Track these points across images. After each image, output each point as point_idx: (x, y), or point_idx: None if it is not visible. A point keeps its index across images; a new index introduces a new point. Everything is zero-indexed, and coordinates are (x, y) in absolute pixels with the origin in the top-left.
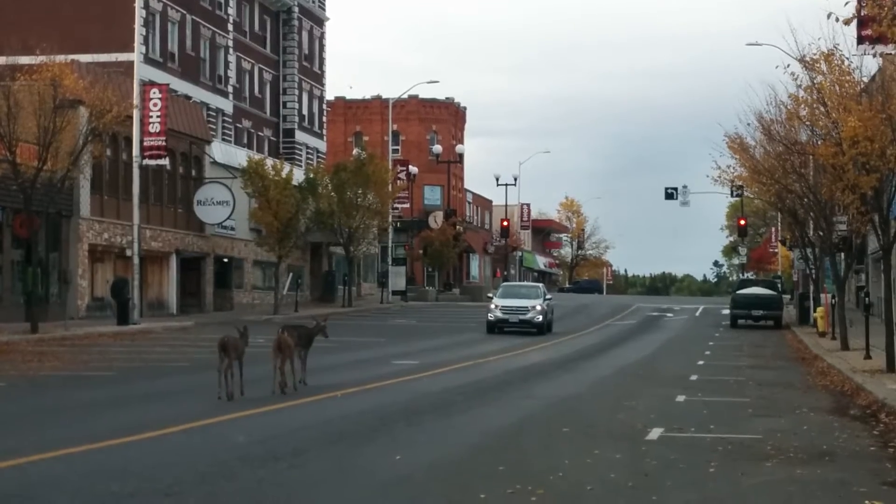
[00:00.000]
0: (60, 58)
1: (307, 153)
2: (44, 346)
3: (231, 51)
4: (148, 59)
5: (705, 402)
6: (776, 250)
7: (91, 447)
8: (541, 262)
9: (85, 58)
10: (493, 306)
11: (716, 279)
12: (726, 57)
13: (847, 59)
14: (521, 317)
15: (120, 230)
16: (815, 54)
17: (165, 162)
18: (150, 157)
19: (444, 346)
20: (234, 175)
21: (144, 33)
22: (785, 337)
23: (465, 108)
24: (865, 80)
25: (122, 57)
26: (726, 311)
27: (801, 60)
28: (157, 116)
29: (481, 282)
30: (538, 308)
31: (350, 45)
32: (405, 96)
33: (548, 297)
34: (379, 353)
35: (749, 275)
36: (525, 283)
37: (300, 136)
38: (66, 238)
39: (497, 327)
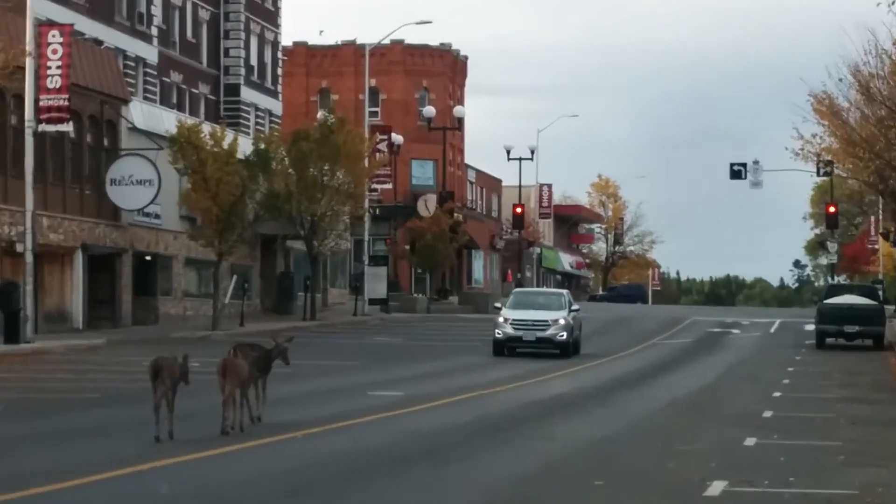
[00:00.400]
0: None
1: (257, 116)
2: None
3: None
4: None
5: (783, 447)
6: (876, 246)
7: None
8: (566, 261)
9: None
10: (501, 320)
11: (796, 284)
12: None
13: None
14: (539, 333)
15: (7, 218)
16: None
17: (69, 128)
18: (49, 121)
19: (437, 371)
20: (160, 146)
21: None
22: (888, 361)
23: (465, 57)
24: None
25: None
26: (811, 327)
27: None
28: (58, 68)
29: (487, 287)
30: (561, 322)
31: None
32: (387, 41)
33: (574, 307)
34: (351, 382)
35: (841, 279)
36: (544, 289)
37: (247, 93)
38: None
39: (507, 347)
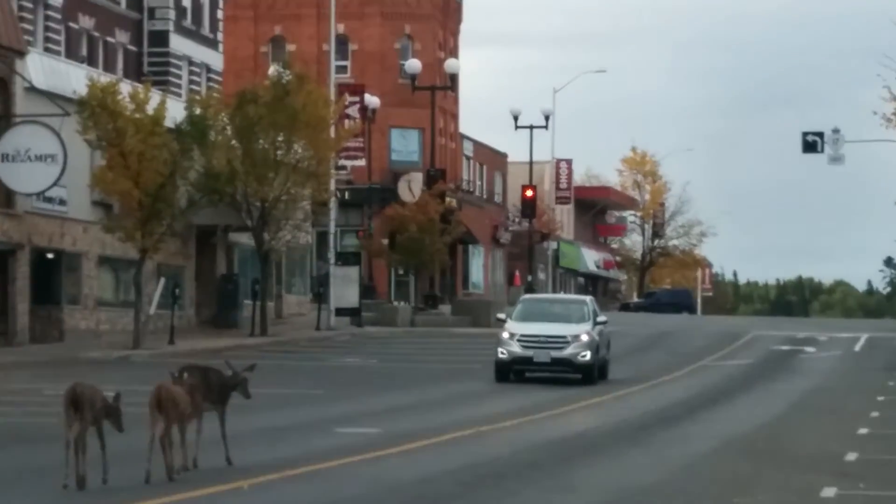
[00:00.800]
0: None
1: (191, 73)
2: None
3: None
4: None
5: (872, 500)
6: None
7: None
8: (590, 259)
9: None
10: (506, 335)
11: (888, 289)
12: None
13: None
14: (555, 353)
15: None
16: None
17: None
18: None
19: (423, 403)
20: (66, 111)
21: None
22: None
23: None
24: None
25: None
26: None
27: None
28: None
29: (488, 293)
30: (584, 339)
31: None
32: None
33: (600, 319)
34: (313, 415)
35: None
36: (561, 295)
37: (178, 43)
38: None
39: (513, 371)
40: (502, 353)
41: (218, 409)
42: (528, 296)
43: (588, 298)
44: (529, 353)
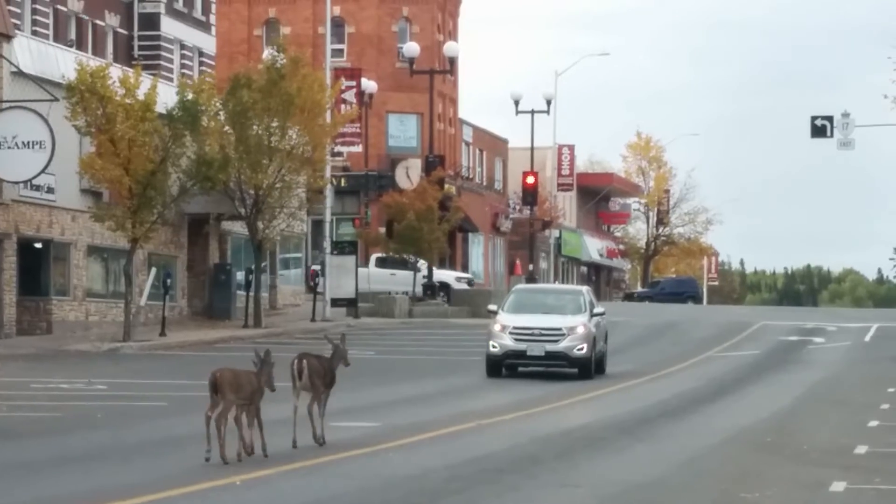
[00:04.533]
0: None
1: (183, 57)
2: None
3: None
4: None
5: (882, 494)
6: None
7: None
8: (593, 248)
9: None
10: (497, 328)
11: None
12: None
13: None
14: (550, 346)
15: None
16: None
17: None
18: None
19: (420, 396)
20: (54, 96)
21: None
22: None
23: None
24: None
25: None
26: None
27: None
28: None
29: (488, 283)
30: (580, 331)
31: None
32: None
33: (598, 310)
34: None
35: None
36: (556, 285)
37: (170, 26)
38: None
39: (505, 365)
40: (494, 346)
41: (327, 392)
42: (520, 286)
43: (584, 288)
44: (522, 346)
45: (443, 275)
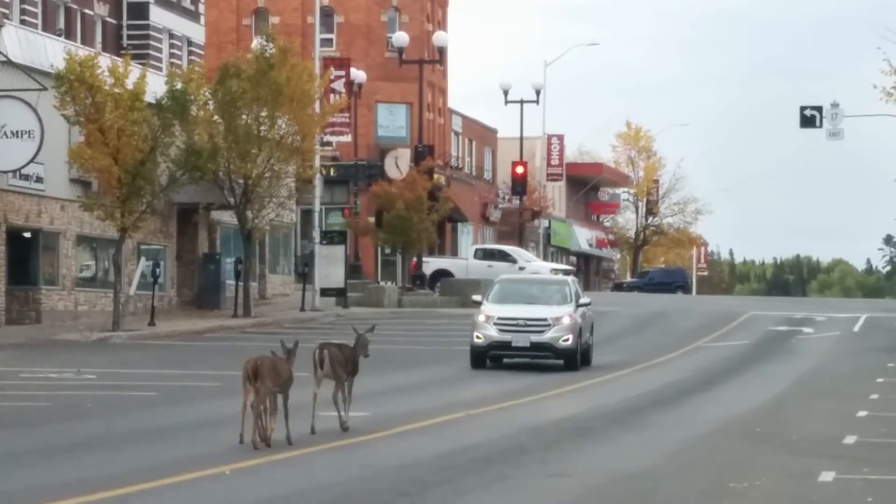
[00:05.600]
0: None
1: (171, 46)
2: None
3: None
4: None
5: (871, 484)
6: None
7: None
8: (582, 238)
9: None
10: (482, 318)
11: (888, 268)
12: None
13: None
14: (535, 337)
15: None
16: None
17: None
18: None
19: (408, 385)
20: (43, 85)
21: None
22: None
23: None
24: None
25: None
26: None
27: None
28: None
29: (478, 272)
30: (566, 321)
31: None
32: None
33: (584, 300)
34: (298, 398)
35: None
36: (540, 276)
37: (159, 16)
38: None
39: (490, 356)
40: (478, 337)
41: (350, 379)
42: (504, 276)
43: (570, 279)
44: (507, 337)
45: (538, 266)
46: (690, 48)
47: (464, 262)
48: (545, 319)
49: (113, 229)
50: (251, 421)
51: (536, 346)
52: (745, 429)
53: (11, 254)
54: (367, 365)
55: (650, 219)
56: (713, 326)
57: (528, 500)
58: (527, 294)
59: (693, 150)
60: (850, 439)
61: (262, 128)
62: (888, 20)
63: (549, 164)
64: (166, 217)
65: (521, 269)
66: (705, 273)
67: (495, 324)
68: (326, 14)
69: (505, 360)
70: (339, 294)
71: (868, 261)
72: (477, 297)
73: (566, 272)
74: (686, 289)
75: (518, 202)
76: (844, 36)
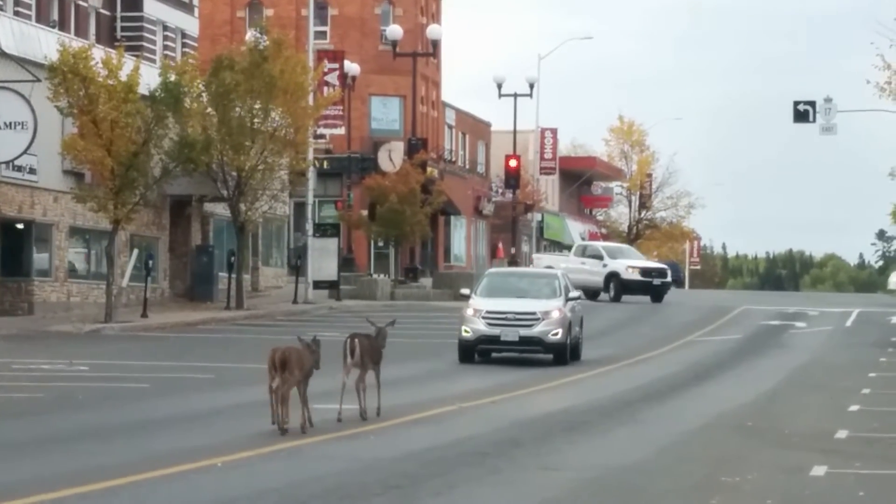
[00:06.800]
0: None
1: (165, 38)
2: None
3: None
4: None
5: (862, 478)
6: None
7: None
8: (575, 231)
9: None
10: (470, 312)
11: (880, 263)
12: None
13: None
14: (524, 331)
15: None
16: None
17: None
18: None
19: (399, 378)
20: (36, 77)
21: None
22: None
23: None
24: None
25: None
26: None
27: None
28: None
29: (470, 266)
30: (555, 315)
31: None
32: None
33: (572, 294)
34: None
35: None
36: (529, 269)
37: (153, 7)
38: None
39: (478, 351)
40: (466, 331)
41: (376, 368)
42: (493, 270)
43: (559, 272)
44: (496, 331)
45: (616, 264)
46: (684, 43)
47: (563, 257)
48: (534, 313)
49: (106, 221)
50: (283, 407)
51: (525, 341)
52: (737, 423)
53: (4, 245)
54: None
55: (643, 213)
56: (705, 321)
57: (521, 493)
58: (516, 288)
59: (687, 144)
60: (841, 434)
61: (256, 120)
62: (881, 16)
63: (542, 158)
64: (159, 209)
65: (604, 265)
66: (698, 267)
67: (484, 317)
68: (320, 7)
69: (493, 355)
70: (332, 287)
71: (860, 255)
72: (465, 291)
73: (643, 271)
74: (679, 283)
75: (511, 195)
76: (838, 31)
